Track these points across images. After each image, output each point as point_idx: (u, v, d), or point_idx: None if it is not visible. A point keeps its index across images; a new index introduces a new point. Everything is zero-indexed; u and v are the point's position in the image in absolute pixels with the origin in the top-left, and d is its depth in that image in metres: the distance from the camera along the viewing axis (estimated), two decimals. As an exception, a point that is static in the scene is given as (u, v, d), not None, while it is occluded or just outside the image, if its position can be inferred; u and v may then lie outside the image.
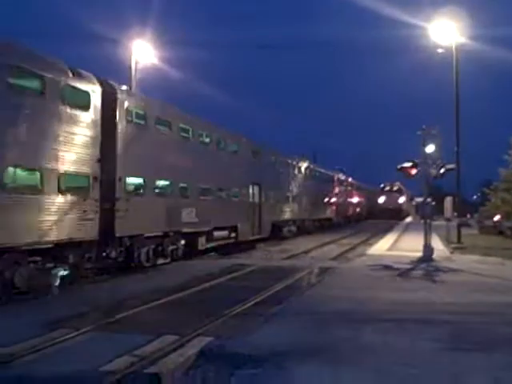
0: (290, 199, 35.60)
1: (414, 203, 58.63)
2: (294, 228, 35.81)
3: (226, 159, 24.07)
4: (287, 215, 34.56)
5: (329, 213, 48.55)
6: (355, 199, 65.16)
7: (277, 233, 31.85)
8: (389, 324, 9.61)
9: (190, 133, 20.57)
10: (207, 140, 22.37)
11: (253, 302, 11.74)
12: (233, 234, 24.43)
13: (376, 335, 8.82)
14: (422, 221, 22.75)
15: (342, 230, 45.87)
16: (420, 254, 20.93)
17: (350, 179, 61.72)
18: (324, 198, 46.84)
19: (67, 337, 8.62)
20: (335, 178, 53.34)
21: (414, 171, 21.25)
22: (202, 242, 21.08)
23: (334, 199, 50.61)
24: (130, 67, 27.07)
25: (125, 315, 10.31)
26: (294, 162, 37.48)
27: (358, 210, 67.85)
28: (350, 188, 61.30)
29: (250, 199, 27.15)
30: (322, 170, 47.98)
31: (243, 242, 25.78)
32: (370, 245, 29.86)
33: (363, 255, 23.33)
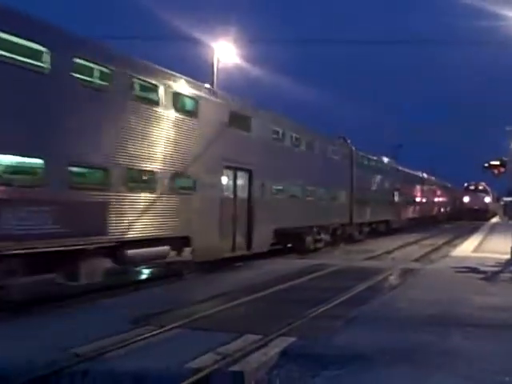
0: (318, 195, 24.88)
1: (501, 203, 56.35)
2: (325, 236, 25.53)
3: (159, 123, 13.90)
4: (312, 218, 23.76)
5: (387, 214, 37.48)
6: (436, 198, 62.83)
7: (297, 244, 23.06)
8: (478, 329, 9.24)
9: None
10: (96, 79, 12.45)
11: (335, 303, 11.62)
12: (187, 250, 14.96)
13: (465, 340, 8.49)
14: (511, 221, 21.80)
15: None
16: (508, 257, 20.06)
17: (426, 176, 57.28)
18: (382, 196, 36.49)
19: (153, 333, 8.83)
20: (404, 173, 44.76)
21: (502, 169, 20.45)
22: (87, 270, 11.66)
23: (397, 198, 40.77)
24: (212, 66, 27.44)
25: (207, 313, 10.45)
26: (325, 144, 26.55)
27: (439, 209, 65.87)
28: (429, 186, 57.94)
29: (225, 193, 17.30)
30: (382, 160, 38.48)
31: (209, 262, 16.39)
32: (454, 246, 28.94)
33: (447, 256, 22.64)
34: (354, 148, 30.95)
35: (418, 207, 51.27)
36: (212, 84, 24.11)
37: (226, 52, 28.06)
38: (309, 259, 21.11)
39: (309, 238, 23.43)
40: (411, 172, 49.02)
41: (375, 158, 36.42)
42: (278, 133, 21.22)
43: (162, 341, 8.54)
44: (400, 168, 43.43)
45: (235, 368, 7.18)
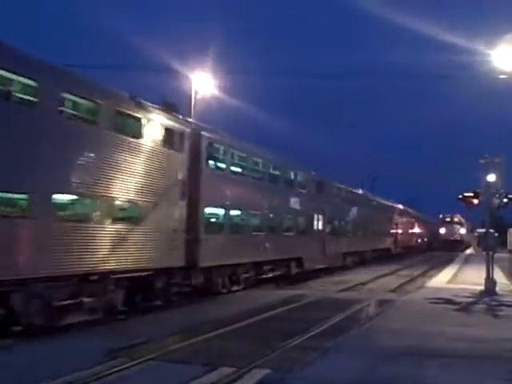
0: (76, 213, 12.00)
1: (475, 234, 56.60)
2: (99, 298, 12.30)
3: None
4: (42, 264, 10.50)
5: (296, 249, 24.20)
6: (405, 229, 59.04)
7: None
8: (453, 360, 9.26)
9: None
10: None
11: (311, 334, 11.56)
12: None
13: (441, 371, 8.48)
14: (484, 253, 22.02)
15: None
16: (482, 288, 20.23)
17: (391, 203, 50.19)
18: (289, 220, 24.16)
19: (126, 365, 8.66)
20: (342, 193, 33.60)
21: (476, 201, 20.70)
22: None
23: (321, 225, 28.25)
24: (190, 97, 27.56)
25: (182, 345, 10.31)
26: (113, 112, 12.79)
27: (416, 241, 65.94)
28: (393, 214, 50.84)
29: None
30: (287, 165, 24.81)
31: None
32: (430, 277, 29.08)
33: (422, 287, 22.74)
34: (205, 133, 17.03)
35: (368, 238, 39.30)
36: (190, 114, 24.21)
37: (203, 83, 28.28)
38: (286, 290, 21.00)
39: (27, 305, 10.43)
40: (361, 193, 39.31)
41: (270, 158, 22.66)
42: None
43: (136, 373, 8.40)
44: (330, 184, 30.67)
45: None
